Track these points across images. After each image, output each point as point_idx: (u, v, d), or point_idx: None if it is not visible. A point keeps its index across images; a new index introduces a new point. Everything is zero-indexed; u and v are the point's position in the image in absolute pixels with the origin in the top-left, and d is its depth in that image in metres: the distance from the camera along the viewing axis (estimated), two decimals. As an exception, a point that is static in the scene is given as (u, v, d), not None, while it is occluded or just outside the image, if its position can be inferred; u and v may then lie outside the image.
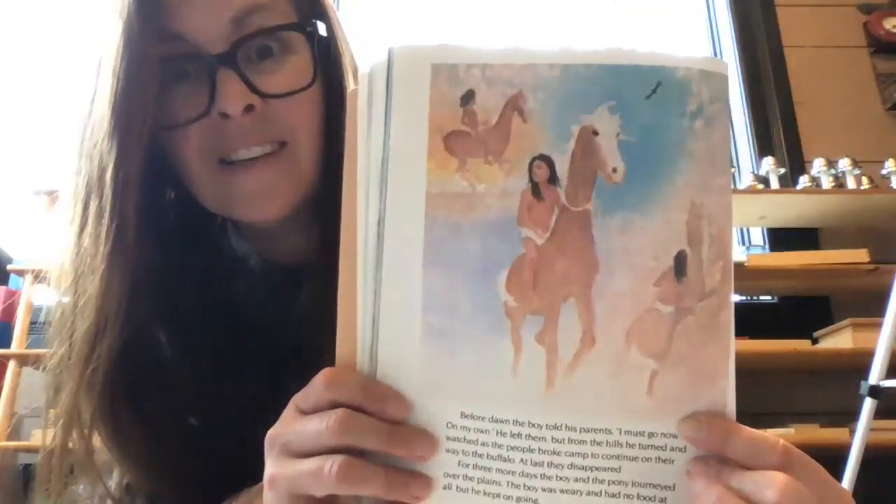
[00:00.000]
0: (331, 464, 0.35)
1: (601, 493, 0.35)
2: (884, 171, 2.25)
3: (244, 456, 0.47)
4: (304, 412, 0.38)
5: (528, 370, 0.35)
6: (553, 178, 0.35)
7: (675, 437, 0.35)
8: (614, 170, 0.35)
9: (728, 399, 0.35)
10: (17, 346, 2.04)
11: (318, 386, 0.37)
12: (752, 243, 2.52)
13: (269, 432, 0.39)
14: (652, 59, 0.34)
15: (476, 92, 0.36)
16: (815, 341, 2.10)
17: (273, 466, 0.38)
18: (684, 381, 0.35)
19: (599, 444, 0.35)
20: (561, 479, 0.35)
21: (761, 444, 0.34)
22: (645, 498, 0.35)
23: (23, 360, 2.05)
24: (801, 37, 2.61)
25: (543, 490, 0.35)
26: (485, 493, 0.36)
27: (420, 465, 0.37)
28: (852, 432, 1.67)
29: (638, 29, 2.87)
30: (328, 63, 0.59)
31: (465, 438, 0.36)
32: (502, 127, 0.35)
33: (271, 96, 0.54)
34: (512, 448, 0.36)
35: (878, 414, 1.62)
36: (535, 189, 0.35)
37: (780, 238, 2.40)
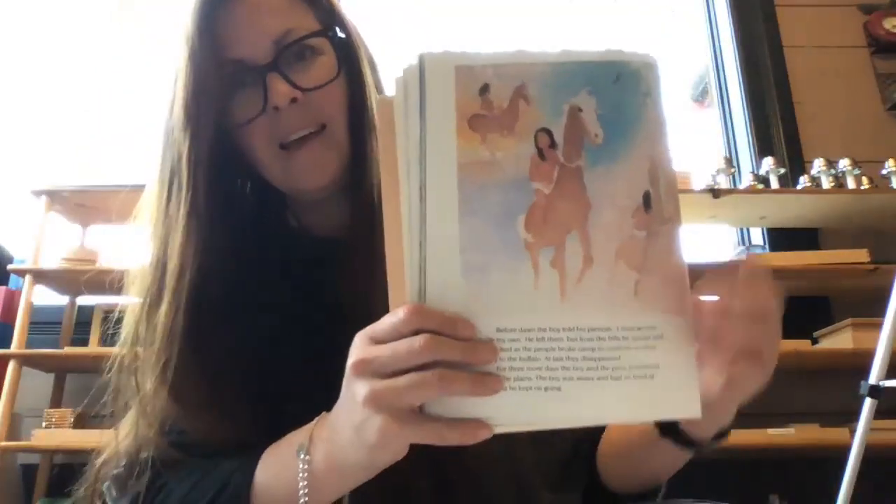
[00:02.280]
0: (432, 375, 0.44)
1: (607, 377, 0.45)
2: (884, 171, 2.25)
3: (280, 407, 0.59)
4: (383, 342, 0.46)
5: (546, 287, 0.45)
6: (553, 144, 0.46)
7: (654, 328, 0.47)
8: (596, 135, 0.47)
9: (686, 294, 0.48)
10: (16, 346, 2.04)
11: (405, 316, 0.45)
12: (752, 243, 2.52)
13: (354, 362, 0.47)
14: (614, 56, 0.48)
15: (490, 85, 0.46)
16: (815, 341, 2.10)
17: (369, 386, 0.46)
18: (658, 285, 0.47)
19: (602, 339, 0.46)
20: (576, 369, 0.45)
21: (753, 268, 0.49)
22: (638, 376, 0.46)
23: (23, 360, 2.06)
24: (801, 37, 2.61)
25: (564, 379, 0.45)
26: (520, 388, 0.45)
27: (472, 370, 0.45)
28: (852, 432, 1.67)
29: (638, 29, 2.87)
30: (348, 57, 0.75)
31: (500, 348, 0.45)
32: (512, 109, 0.46)
33: (309, 89, 0.70)
34: (538, 349, 0.45)
35: (878, 414, 1.62)
36: (540, 153, 0.46)
37: (780, 238, 2.40)
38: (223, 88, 0.69)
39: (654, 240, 0.47)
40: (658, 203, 0.47)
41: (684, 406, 0.47)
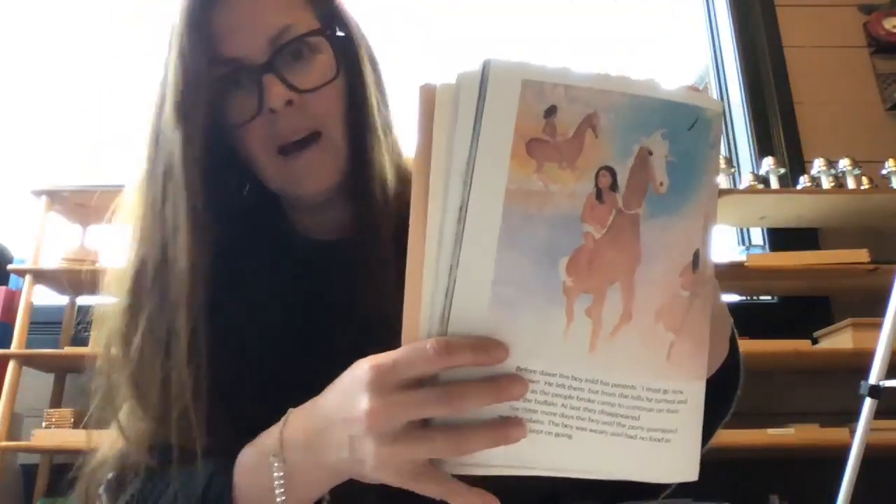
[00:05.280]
0: (449, 436, 0.42)
1: (622, 434, 0.43)
2: (884, 171, 2.25)
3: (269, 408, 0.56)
4: (401, 386, 0.43)
5: (576, 336, 0.42)
6: (614, 186, 0.42)
7: (681, 392, 0.44)
8: (661, 183, 0.42)
9: (706, 357, 0.46)
10: (17, 346, 2.04)
11: (432, 356, 0.41)
12: (752, 243, 2.52)
13: (368, 407, 0.43)
14: (692, 98, 0.43)
15: (558, 107, 0.41)
16: (815, 341, 2.10)
17: (379, 446, 0.43)
18: (691, 349, 0.44)
19: (625, 396, 0.43)
20: (592, 421, 0.43)
21: None
22: (654, 439, 0.44)
23: (23, 360, 2.06)
24: (801, 37, 2.61)
25: (577, 429, 0.43)
26: (531, 430, 0.42)
27: (481, 409, 0.42)
28: (852, 432, 1.67)
29: (638, 29, 2.87)
30: (348, 57, 0.72)
31: None
32: (577, 139, 0.42)
33: (305, 91, 0.67)
34: (556, 395, 0.42)
35: (878, 414, 1.62)
36: (599, 193, 0.42)
37: (780, 238, 2.40)
38: (216, 87, 0.67)
39: (694, 301, 0.44)
40: (704, 263, 0.44)
41: (686, 469, 0.45)
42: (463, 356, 0.41)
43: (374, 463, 0.44)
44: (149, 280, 0.65)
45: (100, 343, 0.67)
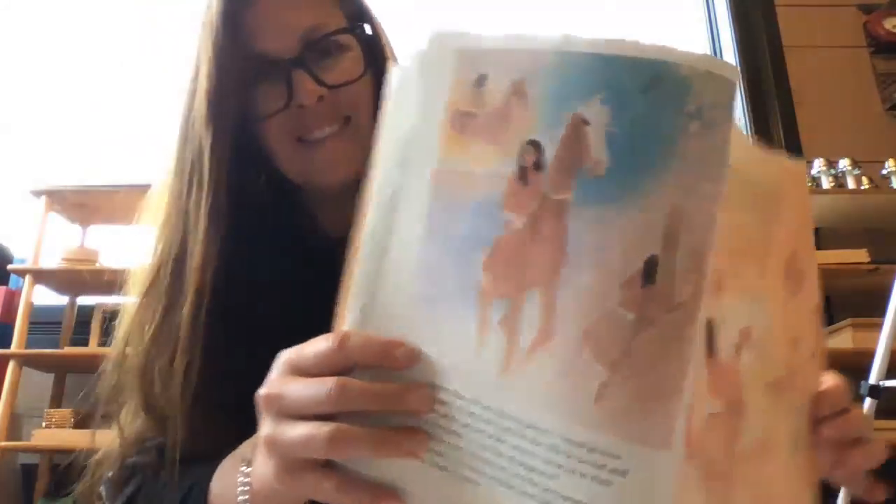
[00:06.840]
0: (323, 431, 0.37)
1: (534, 496, 0.33)
2: (884, 171, 2.25)
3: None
4: (303, 373, 0.40)
5: (490, 351, 0.34)
6: (539, 164, 0.34)
7: (618, 458, 0.31)
8: (597, 161, 0.33)
9: (678, 418, 0.32)
10: (16, 346, 2.04)
11: (332, 348, 0.38)
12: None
13: (264, 392, 0.41)
14: (654, 52, 0.32)
15: (488, 76, 0.36)
16: (815, 341, 2.10)
17: (270, 428, 0.40)
18: (634, 396, 0.32)
19: (539, 444, 0.33)
20: (501, 469, 0.34)
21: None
22: None
23: (23, 361, 2.06)
24: (801, 37, 2.61)
25: (488, 477, 0.34)
26: (439, 467, 0.35)
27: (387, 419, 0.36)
28: (852, 432, 1.67)
29: (638, 29, 2.87)
30: (375, 54, 0.73)
31: None
32: (504, 110, 0.35)
33: (335, 87, 0.68)
34: (464, 426, 0.35)
35: (878, 414, 1.62)
36: (522, 173, 0.34)
37: (780, 238, 2.40)
38: (246, 82, 0.67)
39: (647, 330, 0.32)
40: (668, 278, 0.32)
41: None
42: (364, 354, 0.37)
43: (266, 444, 0.41)
44: (168, 277, 0.65)
45: (114, 341, 0.68)
